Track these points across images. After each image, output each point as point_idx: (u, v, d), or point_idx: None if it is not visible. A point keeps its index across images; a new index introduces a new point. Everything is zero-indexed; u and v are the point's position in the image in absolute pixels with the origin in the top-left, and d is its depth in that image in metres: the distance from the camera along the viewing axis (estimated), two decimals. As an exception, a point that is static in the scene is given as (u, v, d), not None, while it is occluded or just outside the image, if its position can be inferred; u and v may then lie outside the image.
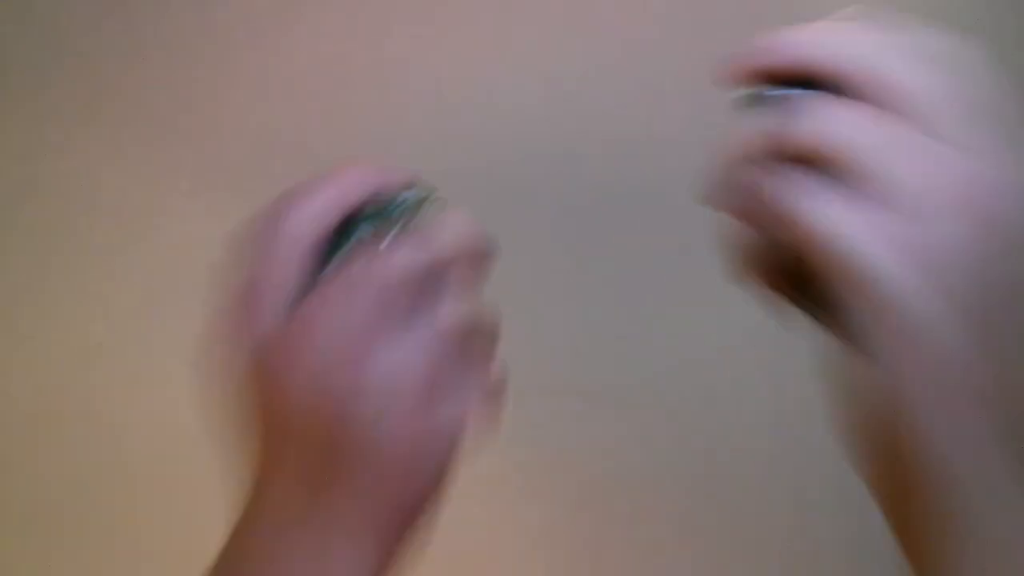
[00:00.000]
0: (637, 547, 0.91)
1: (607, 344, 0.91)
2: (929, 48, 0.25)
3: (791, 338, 0.93)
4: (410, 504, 0.31)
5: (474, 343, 0.32)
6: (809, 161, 0.23)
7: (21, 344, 0.85)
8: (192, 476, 0.84)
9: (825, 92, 0.24)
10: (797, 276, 0.26)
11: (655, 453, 0.91)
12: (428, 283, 0.31)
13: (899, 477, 0.22)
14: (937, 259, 0.21)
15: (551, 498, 0.90)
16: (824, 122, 0.23)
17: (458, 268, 0.32)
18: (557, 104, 0.92)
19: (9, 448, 0.83)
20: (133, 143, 0.87)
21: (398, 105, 0.90)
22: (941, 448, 0.21)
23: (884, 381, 0.22)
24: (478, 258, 0.33)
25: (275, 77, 0.89)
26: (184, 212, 0.86)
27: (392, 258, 0.30)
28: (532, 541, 0.89)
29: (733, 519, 0.91)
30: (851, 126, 0.23)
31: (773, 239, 0.26)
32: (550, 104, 0.92)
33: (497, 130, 0.91)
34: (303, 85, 0.89)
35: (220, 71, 0.88)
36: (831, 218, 0.22)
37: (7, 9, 0.87)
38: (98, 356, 0.84)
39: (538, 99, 0.92)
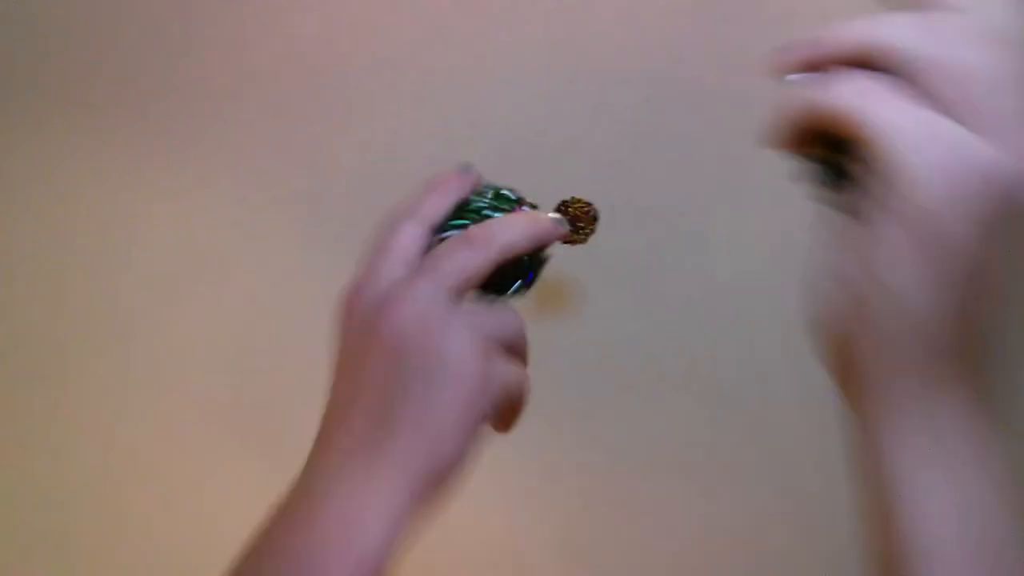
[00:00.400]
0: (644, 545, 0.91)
1: (607, 343, 0.91)
2: (970, 28, 0.28)
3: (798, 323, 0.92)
4: (441, 468, 0.38)
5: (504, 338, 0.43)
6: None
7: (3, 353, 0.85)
8: (182, 482, 0.84)
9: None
10: (823, 142, 0.31)
11: (659, 451, 0.91)
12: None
13: (848, 355, 0.30)
14: (960, 170, 0.26)
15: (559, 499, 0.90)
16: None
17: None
18: (558, 105, 0.92)
19: None
20: (116, 146, 0.87)
21: (401, 102, 0.91)
22: (885, 339, 0.28)
23: (871, 248, 0.28)
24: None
25: (262, 78, 0.89)
26: (166, 214, 0.87)
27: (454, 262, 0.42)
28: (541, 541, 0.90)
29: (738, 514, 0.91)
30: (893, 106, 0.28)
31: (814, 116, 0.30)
32: (550, 104, 0.92)
33: (498, 129, 0.92)
34: (292, 86, 0.89)
35: (207, 72, 0.88)
36: (884, 113, 0.27)
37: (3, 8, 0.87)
38: (84, 362, 0.84)
39: (538, 100, 0.92)
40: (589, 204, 0.61)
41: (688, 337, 0.91)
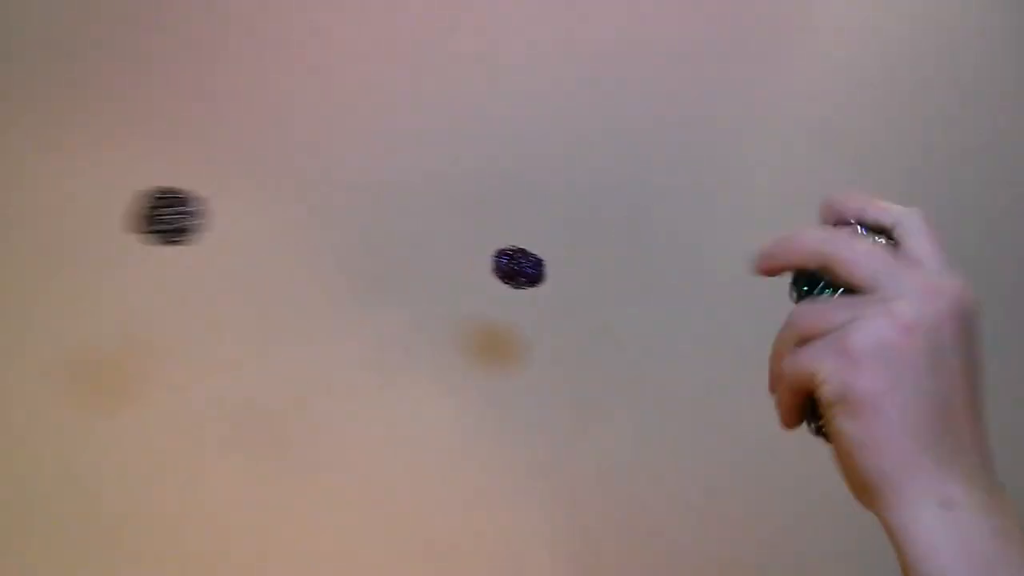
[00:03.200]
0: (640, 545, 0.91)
1: (609, 344, 0.91)
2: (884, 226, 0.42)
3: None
4: None
5: None
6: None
7: (3, 346, 0.85)
8: (185, 478, 0.84)
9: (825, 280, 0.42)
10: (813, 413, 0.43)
11: (657, 451, 0.91)
12: None
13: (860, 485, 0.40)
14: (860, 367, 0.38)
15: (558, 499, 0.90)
16: (806, 321, 0.42)
17: None
18: (558, 103, 0.92)
19: None
20: (130, 141, 0.87)
21: (402, 105, 0.91)
22: (875, 470, 0.38)
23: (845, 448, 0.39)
24: None
25: (266, 79, 0.89)
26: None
27: None
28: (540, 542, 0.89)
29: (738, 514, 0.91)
30: (817, 324, 0.41)
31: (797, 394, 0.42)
32: (552, 104, 0.92)
33: (498, 130, 0.92)
34: (305, 84, 0.89)
35: (209, 70, 0.87)
36: (808, 363, 0.40)
37: (3, 8, 0.87)
38: (85, 357, 0.85)
39: (539, 99, 0.92)
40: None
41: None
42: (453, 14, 0.91)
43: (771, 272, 0.44)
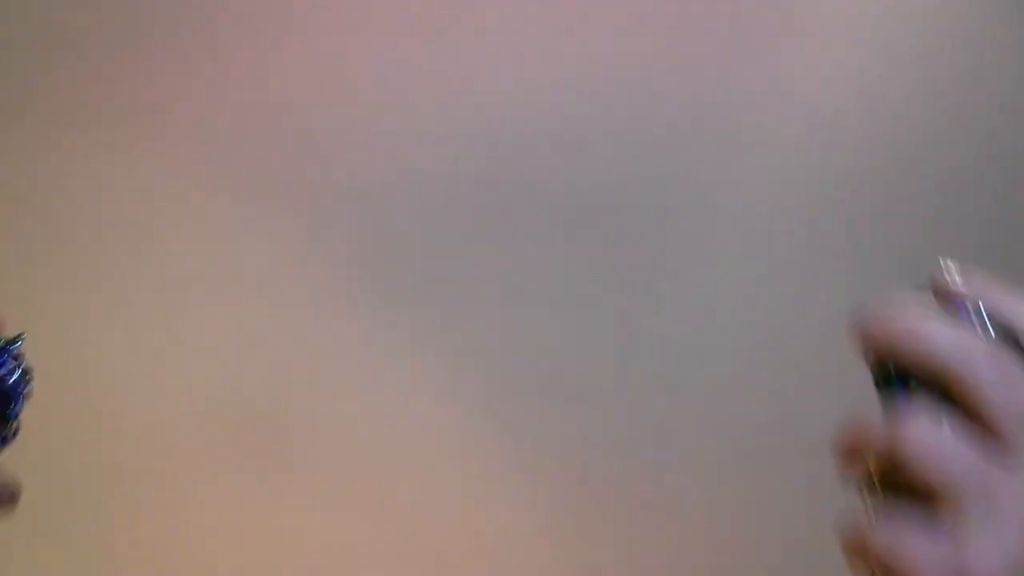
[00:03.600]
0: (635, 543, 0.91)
1: (607, 342, 0.91)
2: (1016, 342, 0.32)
3: (791, 337, 0.92)
4: None
5: None
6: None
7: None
8: (184, 473, 0.84)
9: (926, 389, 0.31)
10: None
11: (658, 451, 0.92)
12: None
13: None
14: None
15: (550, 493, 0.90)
16: (916, 450, 0.30)
17: None
18: (559, 103, 0.92)
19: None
20: (131, 141, 0.87)
21: (400, 106, 0.91)
22: None
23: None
24: None
25: (276, 78, 0.89)
26: (182, 209, 0.87)
27: None
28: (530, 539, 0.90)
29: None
30: (931, 458, 0.30)
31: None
32: (552, 104, 0.92)
33: (499, 129, 0.92)
34: (303, 86, 0.90)
35: (220, 71, 0.88)
36: (909, 567, 0.29)
37: (4, 9, 0.87)
38: (85, 357, 0.85)
39: (540, 99, 0.92)
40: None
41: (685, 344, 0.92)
42: (453, 14, 0.92)
43: (865, 350, 0.36)
